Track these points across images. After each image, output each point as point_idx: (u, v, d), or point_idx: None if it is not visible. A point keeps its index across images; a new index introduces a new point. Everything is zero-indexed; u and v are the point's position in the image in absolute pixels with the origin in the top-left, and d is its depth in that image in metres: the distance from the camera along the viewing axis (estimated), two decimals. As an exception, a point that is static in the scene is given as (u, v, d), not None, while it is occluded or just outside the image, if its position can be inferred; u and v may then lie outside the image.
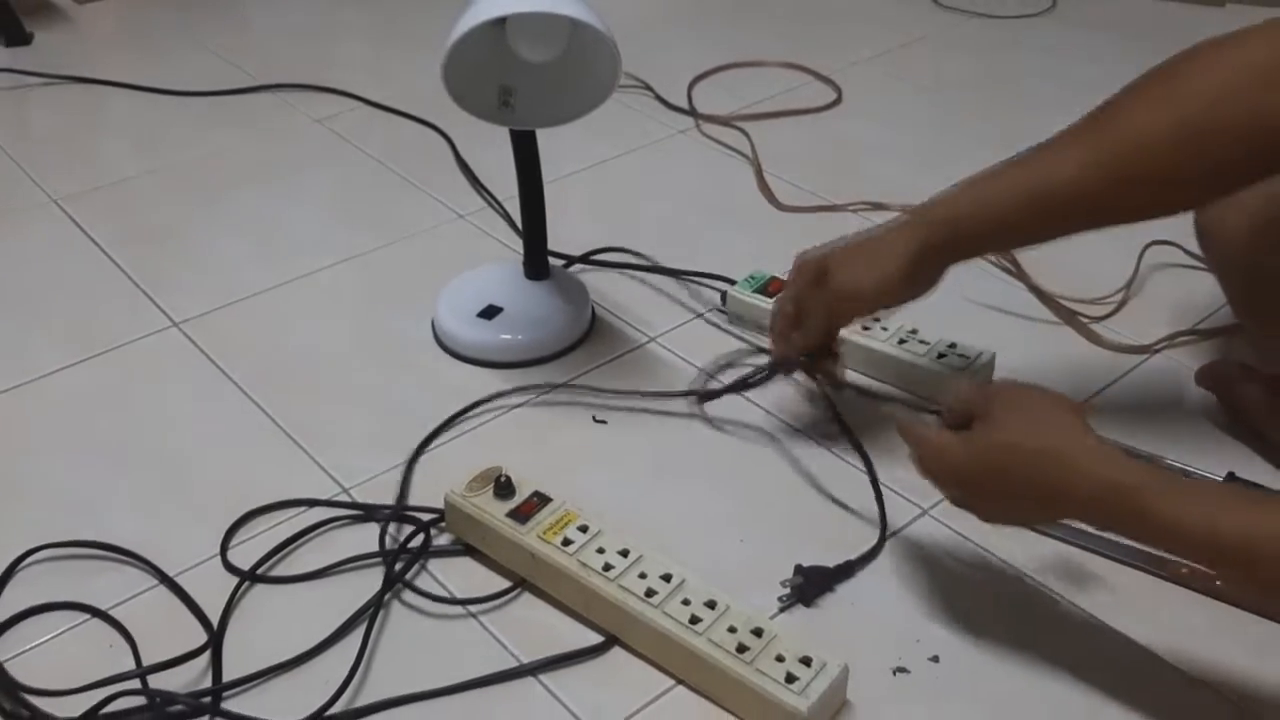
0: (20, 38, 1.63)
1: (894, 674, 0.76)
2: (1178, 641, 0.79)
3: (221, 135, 1.42)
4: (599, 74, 0.91)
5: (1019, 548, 0.85)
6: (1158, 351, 1.05)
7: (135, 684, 0.74)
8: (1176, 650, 0.78)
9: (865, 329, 1.03)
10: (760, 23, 1.70)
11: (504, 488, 0.83)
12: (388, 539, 0.86)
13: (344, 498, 0.91)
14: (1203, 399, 0.98)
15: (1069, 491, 0.70)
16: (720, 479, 0.92)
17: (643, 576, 0.77)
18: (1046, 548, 0.85)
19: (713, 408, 0.98)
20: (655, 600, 0.76)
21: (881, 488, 0.89)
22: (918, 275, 0.86)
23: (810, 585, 0.82)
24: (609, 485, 0.91)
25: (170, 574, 0.84)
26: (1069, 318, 1.08)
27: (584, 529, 0.80)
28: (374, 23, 1.73)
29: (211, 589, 0.83)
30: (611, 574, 0.77)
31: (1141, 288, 1.13)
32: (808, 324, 0.91)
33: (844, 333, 0.94)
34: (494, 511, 0.82)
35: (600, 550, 0.79)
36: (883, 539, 0.86)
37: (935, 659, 0.77)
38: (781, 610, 0.81)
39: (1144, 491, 0.67)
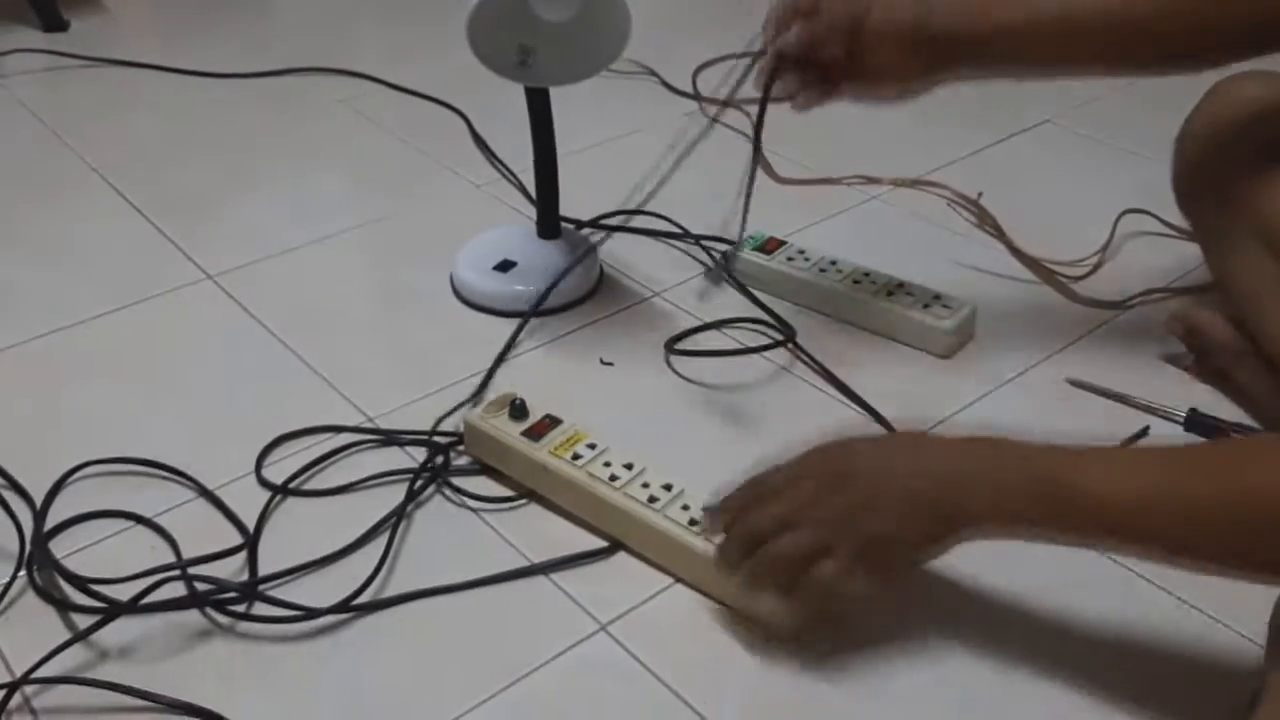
0: (58, 24, 1.72)
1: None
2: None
3: (249, 114, 1.50)
4: (611, 33, 0.98)
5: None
6: (1131, 307, 1.12)
7: (178, 574, 0.81)
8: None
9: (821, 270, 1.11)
10: (761, 13, 1.77)
11: (518, 410, 0.90)
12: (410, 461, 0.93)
13: (369, 425, 0.98)
14: (1172, 348, 1.05)
15: (959, 481, 0.69)
16: (716, 414, 0.99)
17: (645, 486, 0.84)
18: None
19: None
20: (657, 506, 0.82)
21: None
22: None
23: None
24: (616, 418, 0.97)
25: (209, 487, 0.91)
26: (1047, 276, 1.15)
27: (592, 446, 0.87)
28: (394, 8, 1.81)
29: (247, 501, 0.89)
30: (617, 484, 0.84)
31: (1116, 252, 1.20)
32: (819, 20, 0.90)
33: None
34: (509, 431, 0.89)
35: (606, 464, 0.86)
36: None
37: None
38: None
39: (1061, 462, 0.66)
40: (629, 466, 0.86)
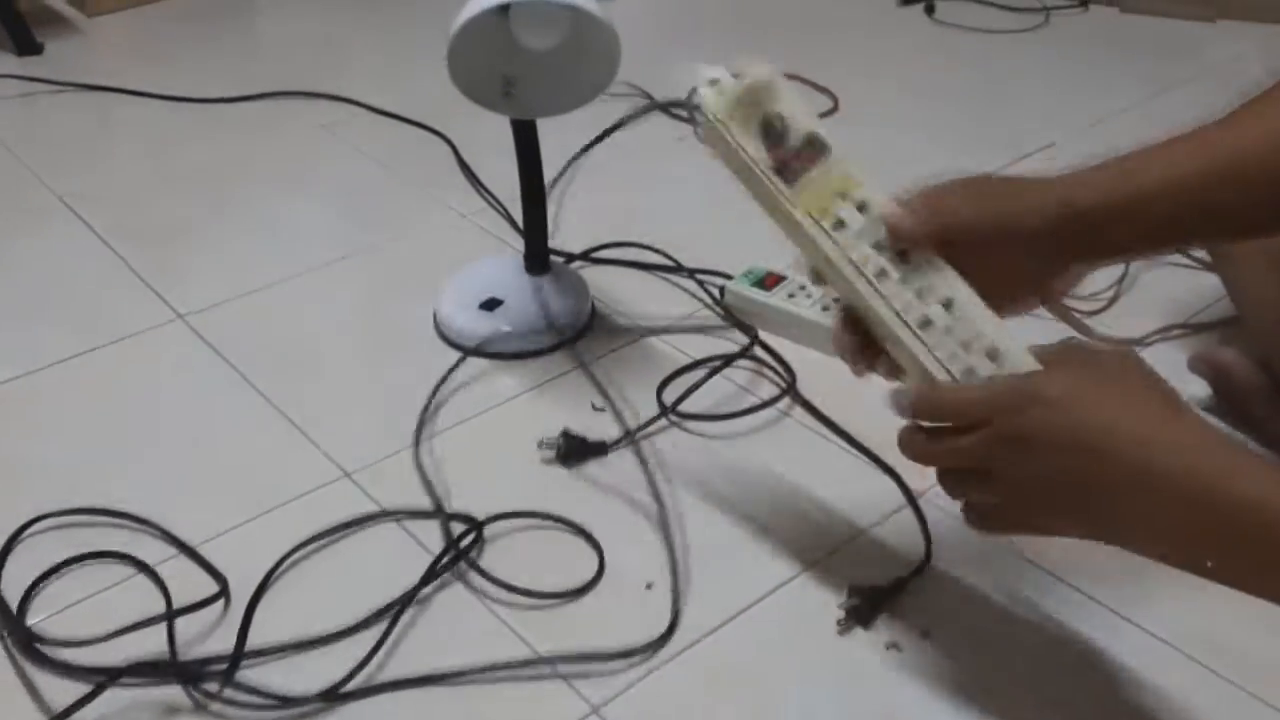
0: (31, 47, 1.66)
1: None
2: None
3: (228, 140, 1.44)
4: (598, 63, 0.93)
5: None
6: (1150, 344, 1.06)
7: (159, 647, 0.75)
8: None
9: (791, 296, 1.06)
10: (758, 35, 1.73)
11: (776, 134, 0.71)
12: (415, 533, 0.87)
13: (346, 483, 0.92)
14: (1196, 389, 1.00)
15: (1147, 495, 0.57)
16: (711, 469, 0.94)
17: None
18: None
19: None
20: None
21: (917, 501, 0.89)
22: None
23: (866, 605, 0.80)
24: (604, 463, 0.92)
25: (190, 543, 0.85)
26: (1062, 312, 1.09)
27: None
28: (377, 31, 1.75)
29: (229, 562, 0.84)
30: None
31: (1133, 285, 1.15)
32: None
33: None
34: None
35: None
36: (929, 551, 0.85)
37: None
38: (842, 634, 0.79)
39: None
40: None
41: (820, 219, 0.69)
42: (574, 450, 0.92)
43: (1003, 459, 0.62)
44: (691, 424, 0.97)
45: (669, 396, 0.99)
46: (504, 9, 0.89)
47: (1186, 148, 0.67)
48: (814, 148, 0.70)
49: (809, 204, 0.69)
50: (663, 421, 0.97)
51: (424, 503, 0.89)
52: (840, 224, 0.69)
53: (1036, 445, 0.61)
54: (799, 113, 0.70)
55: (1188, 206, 0.66)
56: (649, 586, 0.82)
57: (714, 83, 0.71)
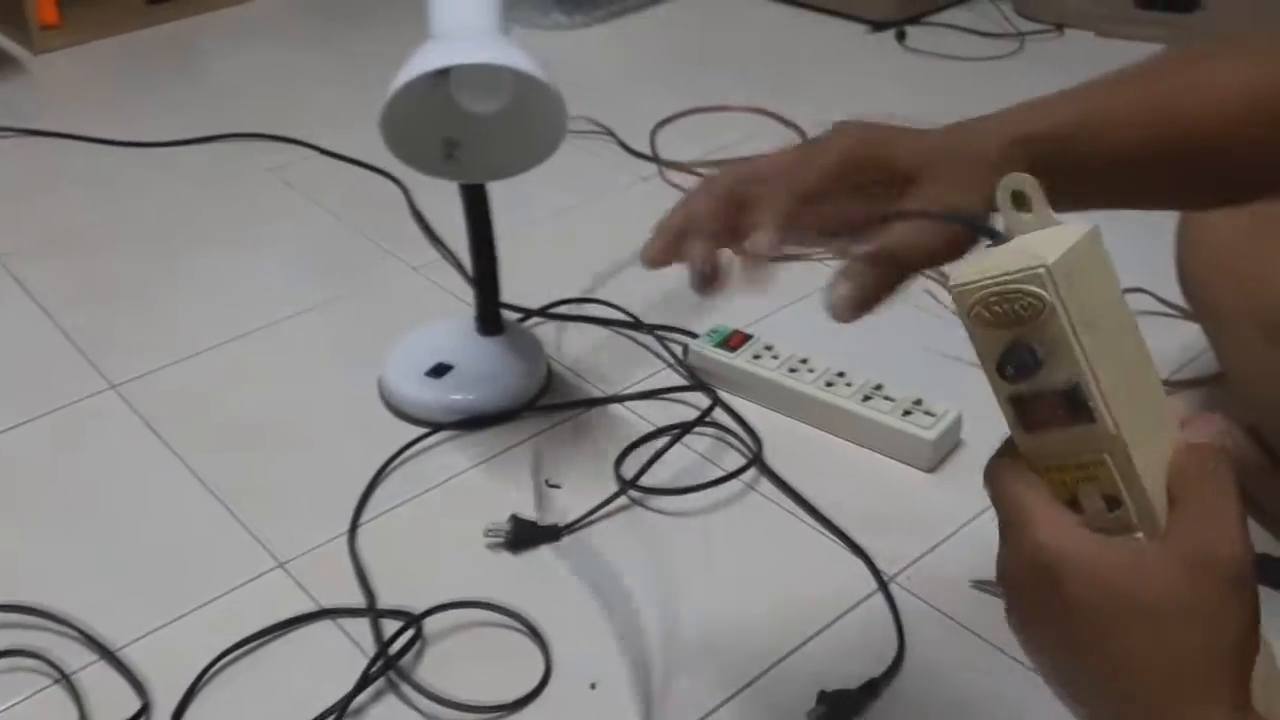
0: (-30, 88, 1.60)
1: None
2: None
3: (174, 188, 1.38)
4: (546, 125, 0.88)
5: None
6: (1131, 405, 1.01)
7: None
8: None
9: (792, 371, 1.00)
10: (724, 67, 1.67)
11: None
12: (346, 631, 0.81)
13: (280, 574, 0.86)
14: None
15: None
16: (671, 546, 0.88)
17: None
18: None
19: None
20: None
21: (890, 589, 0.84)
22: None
23: (836, 713, 0.74)
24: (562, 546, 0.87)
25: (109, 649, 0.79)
26: (1040, 370, 1.04)
27: None
28: (335, 69, 1.69)
29: (155, 667, 0.78)
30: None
31: (1114, 337, 1.10)
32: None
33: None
34: None
35: None
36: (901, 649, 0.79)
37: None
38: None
39: None
40: None
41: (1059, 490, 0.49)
42: (523, 536, 0.86)
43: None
44: (652, 499, 0.92)
45: (629, 468, 0.94)
46: (444, 72, 0.83)
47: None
48: (1077, 403, 0.47)
49: (1047, 470, 0.49)
50: (622, 499, 0.92)
51: (360, 597, 0.83)
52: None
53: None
54: (1067, 343, 0.47)
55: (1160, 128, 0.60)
56: (593, 686, 0.77)
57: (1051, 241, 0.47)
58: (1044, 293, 0.46)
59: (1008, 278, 0.46)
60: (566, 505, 0.91)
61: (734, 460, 0.96)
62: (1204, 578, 0.45)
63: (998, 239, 0.49)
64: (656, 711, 0.75)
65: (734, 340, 1.04)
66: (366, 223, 1.30)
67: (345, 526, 0.89)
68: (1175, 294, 1.07)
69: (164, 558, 0.87)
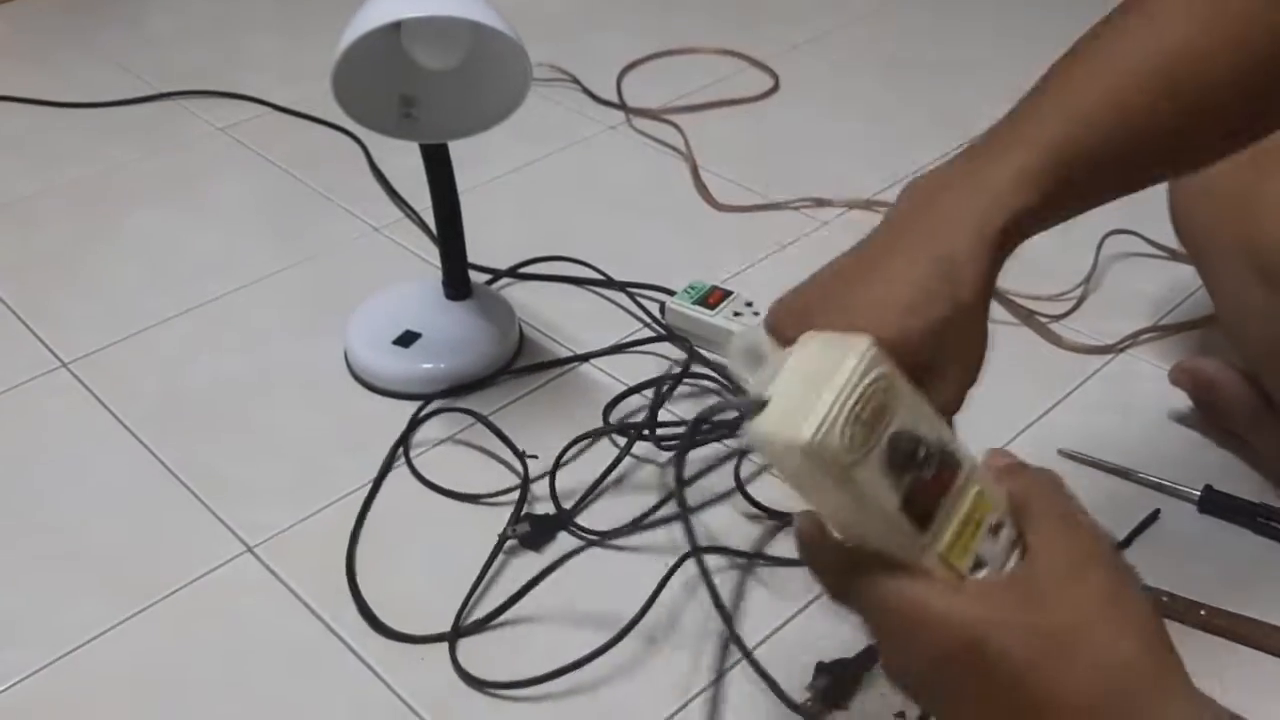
0: (-102, 49, 1.52)
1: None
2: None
3: (117, 149, 1.32)
4: (508, 79, 0.83)
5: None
6: (1123, 350, 0.99)
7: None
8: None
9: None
10: (692, 6, 1.62)
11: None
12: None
13: (249, 558, 0.82)
14: (1175, 401, 0.92)
15: None
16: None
17: None
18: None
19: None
20: None
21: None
22: (995, 267, 0.51)
23: (839, 685, 0.71)
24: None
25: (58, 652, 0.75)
26: (1025, 317, 1.01)
27: None
28: (282, 16, 1.62)
29: (107, 668, 0.74)
30: None
31: (1101, 281, 1.07)
32: None
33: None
34: None
35: None
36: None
37: None
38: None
39: None
40: None
41: (957, 563, 0.46)
42: (540, 532, 0.82)
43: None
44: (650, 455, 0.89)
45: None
46: (396, 25, 0.78)
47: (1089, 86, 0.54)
48: (949, 464, 0.47)
49: (949, 548, 0.46)
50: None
51: (331, 579, 0.80)
52: (979, 565, 0.47)
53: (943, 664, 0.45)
54: (923, 412, 0.47)
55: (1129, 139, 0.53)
56: (594, 659, 0.74)
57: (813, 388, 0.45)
58: (883, 368, 0.45)
59: (848, 385, 0.44)
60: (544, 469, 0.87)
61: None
62: (1105, 567, 0.45)
63: (762, 404, 0.46)
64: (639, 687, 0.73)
65: (713, 297, 1.01)
66: (325, 183, 1.25)
67: (318, 507, 0.86)
68: (1163, 235, 1.05)
69: (124, 549, 0.83)
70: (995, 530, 0.47)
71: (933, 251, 0.50)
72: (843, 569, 0.48)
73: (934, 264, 0.50)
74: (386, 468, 0.89)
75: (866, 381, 0.44)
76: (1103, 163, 0.53)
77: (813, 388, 0.44)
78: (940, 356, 0.50)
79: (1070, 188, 0.52)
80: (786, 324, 0.51)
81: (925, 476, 0.46)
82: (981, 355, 0.52)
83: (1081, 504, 0.48)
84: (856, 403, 0.44)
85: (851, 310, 0.50)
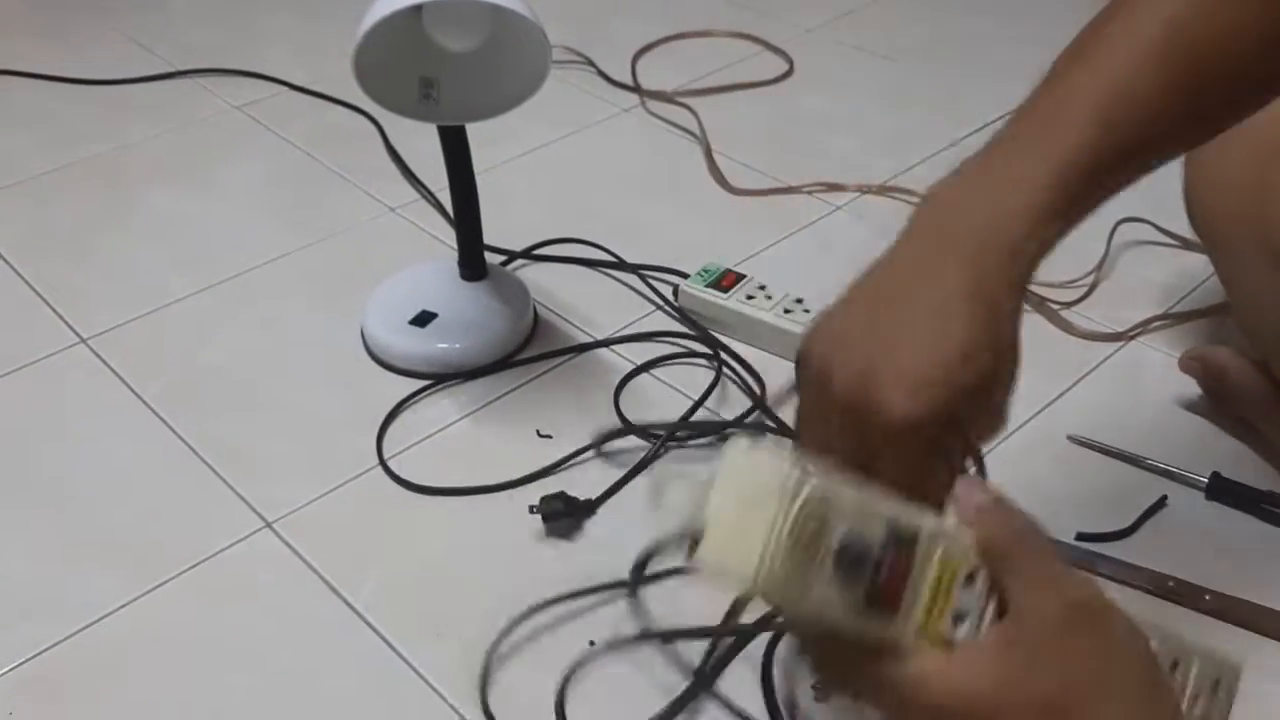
0: (-84, 25, 1.52)
1: None
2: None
3: (135, 127, 1.33)
4: (527, 62, 0.83)
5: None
6: (1134, 338, 0.99)
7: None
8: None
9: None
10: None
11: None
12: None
13: (267, 533, 0.83)
14: (1184, 388, 0.93)
15: None
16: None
17: None
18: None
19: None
20: None
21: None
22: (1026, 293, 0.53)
23: None
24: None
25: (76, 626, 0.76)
26: (1037, 304, 1.02)
27: None
28: (300, -1, 1.63)
29: (127, 644, 0.75)
30: None
31: (1113, 269, 1.07)
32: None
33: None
34: None
35: None
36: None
37: None
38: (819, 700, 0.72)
39: None
40: None
41: (938, 627, 0.46)
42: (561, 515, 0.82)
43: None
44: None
45: (628, 411, 0.91)
46: (417, 8, 0.78)
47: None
48: (905, 542, 0.46)
49: (926, 618, 0.46)
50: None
51: (348, 554, 0.81)
52: (960, 618, 0.47)
53: None
54: (865, 506, 0.47)
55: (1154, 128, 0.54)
56: (591, 644, 0.75)
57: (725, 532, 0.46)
58: (813, 483, 0.45)
59: (780, 514, 0.45)
60: (559, 450, 0.88)
61: (732, 405, 0.93)
62: (1095, 625, 0.45)
63: (699, 540, 0.45)
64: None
65: (726, 280, 1.01)
66: (342, 162, 1.26)
67: (336, 484, 0.87)
68: (1175, 223, 1.05)
69: (143, 523, 0.84)
70: (970, 579, 0.47)
71: (973, 289, 0.50)
72: (839, 661, 0.48)
73: (977, 308, 0.50)
74: (399, 447, 0.90)
75: (799, 504, 0.45)
76: (1123, 163, 0.54)
77: (748, 512, 0.45)
78: (982, 390, 0.51)
79: (1092, 197, 0.53)
80: (826, 353, 0.52)
81: (883, 569, 0.45)
82: (1016, 373, 0.52)
83: (1054, 548, 0.47)
84: (793, 531, 0.45)
85: (898, 353, 0.50)
